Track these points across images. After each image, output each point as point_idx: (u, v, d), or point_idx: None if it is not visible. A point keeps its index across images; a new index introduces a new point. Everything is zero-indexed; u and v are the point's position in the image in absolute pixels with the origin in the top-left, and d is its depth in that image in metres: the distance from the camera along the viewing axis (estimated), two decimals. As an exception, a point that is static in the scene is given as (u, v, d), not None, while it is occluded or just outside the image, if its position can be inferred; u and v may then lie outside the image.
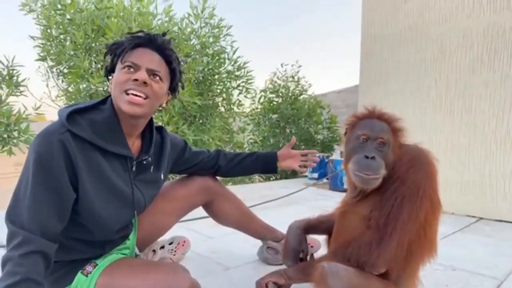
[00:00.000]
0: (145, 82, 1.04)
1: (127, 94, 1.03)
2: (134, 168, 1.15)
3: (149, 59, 1.08)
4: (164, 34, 1.15)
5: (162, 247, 1.58)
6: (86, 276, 1.09)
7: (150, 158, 1.20)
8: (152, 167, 1.22)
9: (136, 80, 1.03)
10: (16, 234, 0.88)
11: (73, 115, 1.00)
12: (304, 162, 1.57)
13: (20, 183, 0.94)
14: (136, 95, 1.03)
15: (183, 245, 1.65)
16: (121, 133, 1.09)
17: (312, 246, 1.59)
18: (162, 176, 1.30)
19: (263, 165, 1.55)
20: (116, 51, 1.09)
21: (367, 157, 1.03)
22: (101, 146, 1.03)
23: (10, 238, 0.89)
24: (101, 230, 1.12)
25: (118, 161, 1.10)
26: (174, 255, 1.59)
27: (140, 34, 1.11)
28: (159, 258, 1.54)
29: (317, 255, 1.51)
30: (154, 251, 1.55)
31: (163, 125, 1.37)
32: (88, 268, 1.11)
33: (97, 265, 1.12)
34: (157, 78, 1.09)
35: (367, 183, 1.04)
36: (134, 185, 1.14)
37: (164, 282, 1.03)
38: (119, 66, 1.07)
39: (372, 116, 1.13)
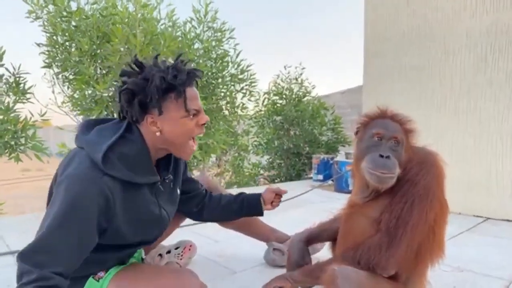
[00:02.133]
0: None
1: (193, 139, 1.12)
2: (157, 190, 1.16)
3: (198, 98, 1.11)
4: (180, 55, 1.14)
5: (169, 251, 1.59)
6: (98, 281, 1.11)
7: (171, 176, 1.22)
8: (172, 184, 1.24)
9: (203, 124, 1.11)
10: (29, 272, 0.86)
11: (106, 155, 0.98)
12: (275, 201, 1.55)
13: (48, 221, 0.91)
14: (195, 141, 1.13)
15: (189, 250, 1.66)
16: (150, 163, 1.09)
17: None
18: (178, 191, 1.31)
19: (248, 210, 1.51)
20: (165, 92, 1.04)
21: (381, 156, 1.03)
22: (135, 182, 1.03)
23: (22, 274, 0.87)
24: (127, 251, 1.16)
25: (147, 188, 1.10)
26: (180, 259, 1.60)
27: (182, 73, 1.06)
28: (165, 262, 1.55)
29: (316, 256, 1.51)
30: (160, 255, 1.56)
31: None
32: (100, 273, 1.12)
33: (108, 270, 1.14)
34: None
35: (383, 182, 1.04)
36: (160, 206, 1.17)
37: (173, 287, 1.04)
38: (178, 112, 1.06)
39: (385, 116, 1.13)
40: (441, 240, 1.09)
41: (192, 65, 1.17)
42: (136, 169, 1.04)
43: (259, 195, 1.51)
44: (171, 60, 1.15)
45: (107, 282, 1.10)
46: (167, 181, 1.20)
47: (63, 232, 0.91)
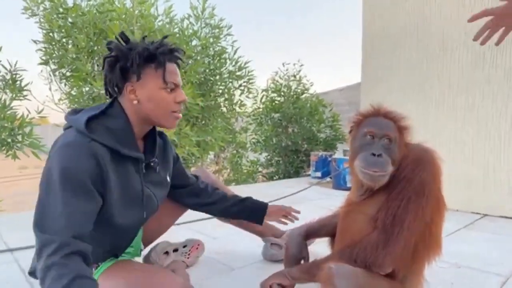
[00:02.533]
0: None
1: (173, 112, 1.13)
2: (144, 170, 1.17)
3: (179, 75, 1.14)
4: (165, 37, 1.18)
5: (176, 249, 1.58)
6: None
7: (156, 159, 1.22)
8: (158, 167, 1.23)
9: (180, 102, 1.13)
10: (50, 241, 0.86)
11: (89, 124, 1.01)
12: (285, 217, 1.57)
13: (47, 194, 0.93)
14: (179, 113, 1.15)
15: (197, 248, 1.65)
16: (134, 138, 1.11)
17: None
18: (168, 178, 1.32)
19: (249, 215, 1.52)
20: (146, 60, 1.08)
21: (374, 154, 1.04)
22: (122, 153, 1.05)
23: (43, 246, 0.86)
24: (116, 238, 1.16)
25: (131, 164, 1.11)
26: (187, 258, 1.59)
27: (164, 46, 1.10)
28: (171, 260, 1.54)
29: (314, 250, 1.52)
30: (167, 253, 1.55)
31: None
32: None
33: (99, 266, 1.15)
34: None
35: (375, 180, 1.04)
36: (143, 185, 1.17)
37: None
38: (157, 83, 1.09)
39: (378, 114, 1.13)
40: (438, 237, 1.08)
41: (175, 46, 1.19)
42: (121, 142, 1.06)
43: (265, 206, 1.52)
44: None
45: (96, 278, 1.11)
46: (152, 164, 1.20)
47: (68, 197, 0.91)
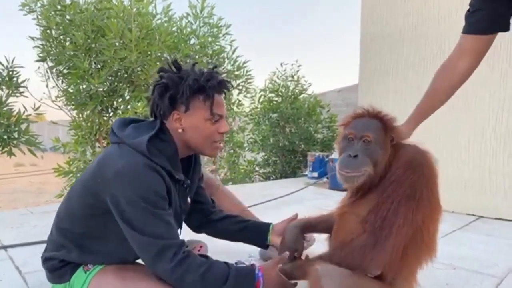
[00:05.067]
0: None
1: (215, 142, 1.18)
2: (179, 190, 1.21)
3: (224, 106, 1.19)
4: (215, 67, 1.23)
5: None
6: (85, 272, 1.13)
7: (189, 182, 1.26)
8: (187, 189, 1.28)
9: (223, 132, 1.18)
10: (169, 245, 1.01)
11: (148, 147, 1.07)
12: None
13: (142, 215, 1.01)
14: (221, 143, 1.21)
15: (199, 250, 1.63)
16: (179, 163, 1.18)
17: (308, 241, 1.62)
18: (189, 199, 1.35)
19: (251, 239, 1.48)
20: (196, 92, 1.12)
21: (350, 155, 1.05)
22: (175, 177, 1.13)
23: (167, 249, 1.00)
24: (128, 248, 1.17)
25: (173, 186, 1.15)
26: None
27: (215, 79, 1.14)
28: None
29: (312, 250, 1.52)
30: None
31: None
32: (89, 265, 1.15)
33: (93, 267, 1.15)
34: None
35: (348, 181, 1.06)
36: (181, 206, 1.24)
37: None
38: (203, 114, 1.13)
39: (365, 115, 1.13)
40: (430, 241, 1.07)
41: (225, 76, 1.25)
42: (172, 166, 1.12)
43: (267, 226, 1.46)
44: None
45: (92, 275, 1.13)
46: (185, 185, 1.24)
47: (159, 212, 1.03)
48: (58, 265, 1.15)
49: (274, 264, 1.11)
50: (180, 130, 1.14)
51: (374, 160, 1.06)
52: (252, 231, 1.45)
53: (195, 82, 1.11)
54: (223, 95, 1.20)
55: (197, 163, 1.35)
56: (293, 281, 1.20)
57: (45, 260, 1.19)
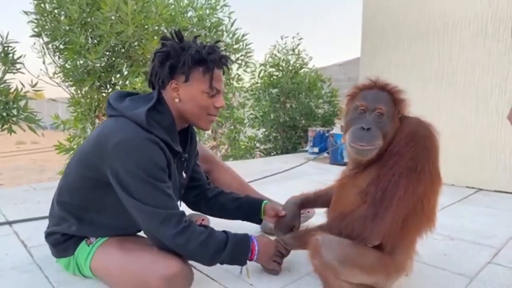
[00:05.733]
0: None
1: (210, 115, 1.18)
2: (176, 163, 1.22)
3: (223, 82, 1.20)
4: (218, 42, 1.23)
5: None
6: (88, 245, 1.16)
7: (186, 155, 1.28)
8: (185, 163, 1.29)
9: (219, 107, 1.19)
10: (171, 215, 1.05)
11: (147, 118, 1.07)
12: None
13: (143, 187, 1.03)
14: (215, 116, 1.21)
15: (201, 223, 1.65)
16: (177, 134, 1.19)
17: (308, 212, 1.66)
18: (184, 175, 1.35)
19: (246, 214, 1.51)
20: (197, 63, 1.12)
21: (363, 128, 1.03)
22: (174, 149, 1.14)
23: (164, 220, 1.04)
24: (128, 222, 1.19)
25: (172, 158, 1.16)
26: None
27: (217, 53, 1.15)
28: None
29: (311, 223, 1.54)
30: None
31: None
32: (92, 238, 1.17)
33: (96, 239, 1.17)
34: None
35: (361, 154, 1.05)
36: (180, 176, 1.26)
37: (154, 264, 1.06)
38: (201, 86, 1.14)
39: (373, 87, 1.11)
40: (430, 213, 1.08)
41: (226, 53, 1.29)
42: (171, 138, 1.13)
43: (260, 203, 1.48)
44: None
45: (95, 248, 1.15)
46: (182, 159, 1.25)
47: (157, 184, 1.04)
48: (60, 239, 1.18)
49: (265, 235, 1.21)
50: (176, 100, 1.14)
51: (384, 133, 1.05)
52: (246, 209, 1.49)
53: (196, 53, 1.11)
54: (222, 70, 1.20)
55: (193, 138, 1.35)
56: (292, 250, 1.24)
57: (48, 235, 1.22)
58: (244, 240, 1.17)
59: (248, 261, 1.17)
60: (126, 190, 1.03)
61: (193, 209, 1.55)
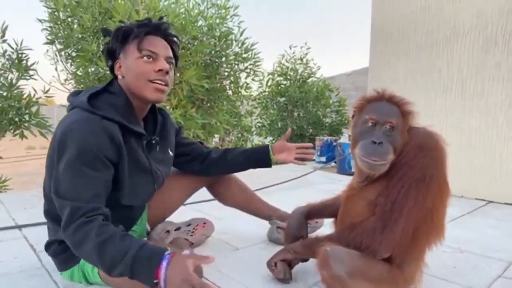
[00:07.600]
0: (167, 72, 1.12)
1: (153, 83, 1.11)
2: (145, 147, 1.21)
3: (163, 47, 1.15)
4: (161, 18, 1.22)
5: (178, 228, 1.56)
6: None
7: (157, 138, 1.26)
8: (158, 146, 1.27)
9: (160, 70, 1.11)
10: (79, 208, 0.95)
11: (91, 101, 1.05)
12: (300, 155, 1.54)
13: (65, 169, 0.98)
14: (161, 84, 1.13)
15: (203, 226, 1.61)
16: (135, 114, 1.16)
17: (316, 222, 1.64)
18: (170, 153, 1.36)
19: (256, 161, 1.53)
20: (125, 36, 1.13)
21: (374, 142, 1.03)
22: (128, 127, 1.10)
23: (71, 211, 0.95)
24: (126, 211, 1.19)
25: (134, 141, 1.15)
26: (191, 235, 1.56)
27: (146, 21, 1.15)
28: (172, 239, 1.54)
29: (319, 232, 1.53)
30: (168, 231, 1.56)
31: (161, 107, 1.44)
32: None
33: None
34: (171, 65, 1.16)
35: (374, 169, 1.04)
36: (150, 161, 1.22)
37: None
38: (133, 53, 1.11)
39: (381, 99, 1.11)
40: (439, 224, 1.07)
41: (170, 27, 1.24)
42: (125, 117, 1.10)
43: (267, 145, 1.53)
44: None
45: None
46: (153, 142, 1.24)
47: (86, 169, 0.98)
48: (58, 248, 1.16)
49: (190, 255, 0.93)
50: (120, 77, 1.15)
51: (395, 146, 1.04)
52: (255, 155, 1.51)
53: (127, 29, 1.13)
54: (163, 40, 1.17)
55: (165, 118, 1.36)
56: (301, 259, 1.22)
57: (46, 247, 1.21)
58: (151, 258, 0.90)
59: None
60: (54, 179, 1.00)
61: (207, 175, 1.55)
